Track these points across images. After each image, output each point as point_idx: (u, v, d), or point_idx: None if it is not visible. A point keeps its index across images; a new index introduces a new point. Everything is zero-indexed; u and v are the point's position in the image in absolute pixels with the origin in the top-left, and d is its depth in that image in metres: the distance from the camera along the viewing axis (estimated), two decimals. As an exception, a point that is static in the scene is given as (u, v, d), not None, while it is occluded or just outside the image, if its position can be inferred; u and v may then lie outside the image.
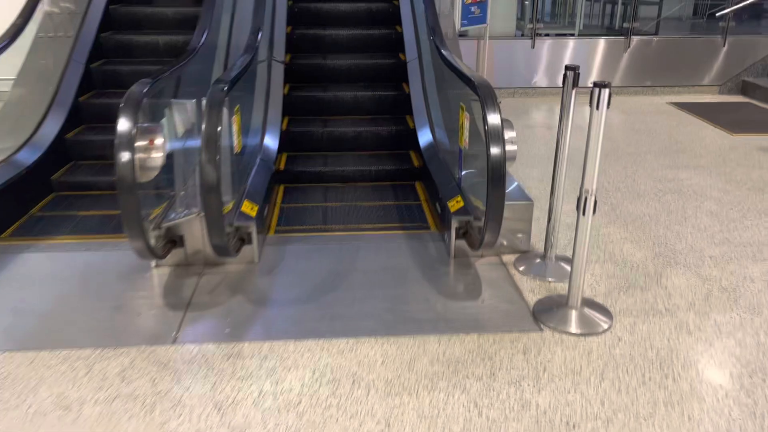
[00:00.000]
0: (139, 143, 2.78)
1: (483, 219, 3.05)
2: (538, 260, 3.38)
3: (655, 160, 5.15)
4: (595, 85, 2.54)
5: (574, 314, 2.82)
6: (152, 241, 3.06)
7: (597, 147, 2.59)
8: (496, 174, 2.75)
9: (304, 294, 3.06)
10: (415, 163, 4.67)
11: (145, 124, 2.87)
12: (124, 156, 2.66)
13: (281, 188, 4.51)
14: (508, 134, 2.88)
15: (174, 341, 2.68)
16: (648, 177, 4.75)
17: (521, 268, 3.32)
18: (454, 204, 3.47)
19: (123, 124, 2.70)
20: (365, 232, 3.79)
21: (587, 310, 2.85)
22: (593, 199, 2.66)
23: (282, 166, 4.60)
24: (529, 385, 2.40)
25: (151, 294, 3.06)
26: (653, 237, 3.71)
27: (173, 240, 3.25)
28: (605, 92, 2.53)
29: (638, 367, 2.50)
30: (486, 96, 2.89)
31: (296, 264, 3.37)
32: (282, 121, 4.80)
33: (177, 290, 3.10)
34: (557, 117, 3.10)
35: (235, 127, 3.40)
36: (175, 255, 3.31)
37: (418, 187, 4.57)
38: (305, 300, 3.00)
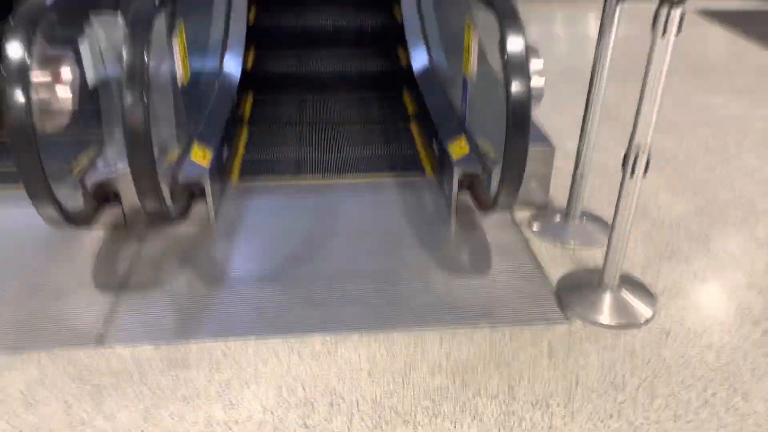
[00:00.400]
0: (39, 78, 2.07)
1: (494, 172, 2.42)
2: (557, 218, 2.76)
3: (683, 82, 4.45)
4: (662, 2, 1.83)
5: (609, 298, 2.24)
6: (79, 201, 2.41)
7: (658, 89, 1.92)
8: (519, 119, 2.07)
9: (271, 269, 2.44)
10: (403, 61, 4.02)
11: (49, 51, 2.14)
12: (16, 97, 1.95)
13: (249, 99, 3.85)
14: (535, 65, 2.18)
15: (100, 341, 2.08)
16: (677, 104, 4.07)
17: (537, 229, 2.72)
18: (457, 148, 2.80)
19: (13, 50, 1.97)
20: (347, 179, 3.14)
21: (625, 292, 2.27)
22: (646, 156, 2.01)
23: (250, 66, 3.95)
24: (559, 406, 1.85)
25: (77, 268, 2.43)
26: (693, 184, 3.10)
27: (106, 197, 2.58)
28: (676, 14, 1.82)
29: (697, 378, 1.95)
30: (505, 12, 2.17)
31: (263, 224, 2.73)
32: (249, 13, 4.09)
33: (111, 262, 2.47)
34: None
35: (178, 51, 2.65)
36: (112, 213, 2.65)
37: (407, 99, 3.90)
38: (272, 277, 2.39)
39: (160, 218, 2.26)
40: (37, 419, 1.79)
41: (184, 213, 2.44)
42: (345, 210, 2.85)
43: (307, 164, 3.26)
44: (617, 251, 2.18)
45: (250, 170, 3.19)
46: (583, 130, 2.55)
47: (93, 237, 2.60)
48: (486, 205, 2.43)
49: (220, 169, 2.89)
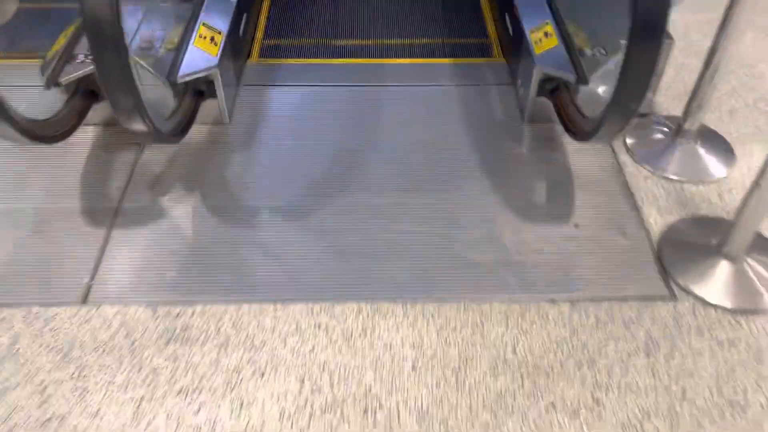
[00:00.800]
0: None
1: (593, 81, 1.83)
2: (663, 134, 2.15)
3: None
4: None
5: (731, 272, 1.72)
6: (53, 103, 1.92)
7: None
8: (650, 21, 1.43)
9: (296, 200, 1.96)
10: None
11: None
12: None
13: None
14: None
15: (84, 298, 1.69)
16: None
17: (635, 148, 2.12)
18: (542, 38, 2.13)
19: None
20: (391, 58, 2.52)
21: (752, 261, 1.74)
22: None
23: None
24: (658, 432, 1.43)
25: (60, 187, 1.99)
26: (842, 87, 2.39)
27: (92, 93, 2.05)
28: None
29: None
30: None
31: (286, 128, 2.20)
32: None
33: (100, 180, 2.01)
34: None
35: None
36: (102, 110, 2.14)
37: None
38: (296, 213, 1.92)
39: (147, 137, 1.75)
40: (5, 409, 1.46)
41: (184, 127, 1.90)
42: (388, 108, 2.28)
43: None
44: (754, 216, 1.62)
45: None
46: (725, 21, 1.84)
47: (80, 140, 2.12)
48: (579, 130, 1.82)
49: (236, 47, 2.29)
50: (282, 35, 2.65)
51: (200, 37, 2.07)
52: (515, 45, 2.34)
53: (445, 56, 2.55)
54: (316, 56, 2.56)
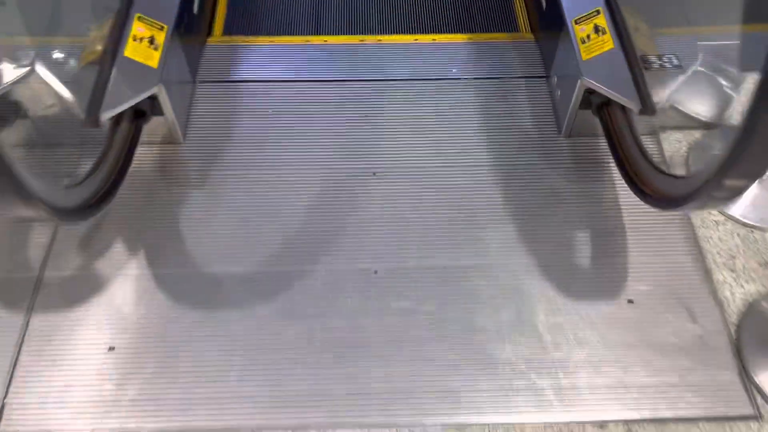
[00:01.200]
0: None
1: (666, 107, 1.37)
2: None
3: None
4: None
5: (834, 378, 1.33)
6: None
7: None
8: None
9: (266, 258, 1.52)
10: None
11: None
12: None
13: None
14: None
15: (-4, 426, 1.31)
16: None
17: (704, 179, 1.66)
18: (590, 34, 1.59)
19: None
20: (386, 37, 2.00)
21: None
22: None
23: None
24: None
25: (-31, 246, 1.55)
26: None
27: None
28: None
29: None
30: None
31: (257, 150, 1.72)
32: None
33: (16, 237, 1.56)
34: None
35: None
36: (18, 131, 1.66)
37: None
38: (267, 281, 1.49)
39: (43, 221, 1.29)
40: None
41: (115, 179, 1.40)
42: (387, 115, 1.80)
43: None
44: None
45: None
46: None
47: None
48: (652, 190, 1.33)
49: (189, 30, 1.76)
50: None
51: (134, 39, 1.54)
52: (549, 23, 1.80)
53: (459, 27, 2.04)
54: (295, 30, 2.04)
